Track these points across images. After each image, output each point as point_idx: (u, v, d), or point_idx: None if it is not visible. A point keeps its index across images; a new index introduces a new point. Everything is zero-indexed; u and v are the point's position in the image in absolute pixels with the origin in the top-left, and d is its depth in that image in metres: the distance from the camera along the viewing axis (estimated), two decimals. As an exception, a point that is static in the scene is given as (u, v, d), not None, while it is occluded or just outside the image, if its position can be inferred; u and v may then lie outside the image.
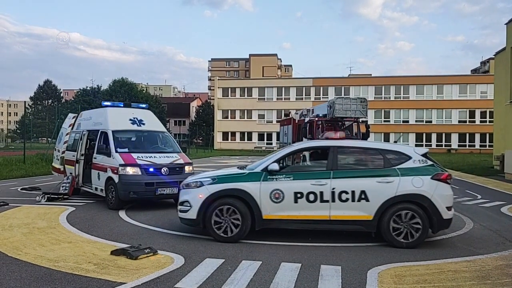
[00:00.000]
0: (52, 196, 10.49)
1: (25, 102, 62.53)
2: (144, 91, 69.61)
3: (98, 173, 10.06)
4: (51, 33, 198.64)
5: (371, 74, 67.68)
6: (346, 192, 6.21)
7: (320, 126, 14.82)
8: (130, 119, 10.68)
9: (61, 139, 12.80)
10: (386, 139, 51.51)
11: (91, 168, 10.54)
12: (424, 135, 54.03)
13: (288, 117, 23.24)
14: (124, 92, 60.20)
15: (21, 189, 12.69)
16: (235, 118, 60.65)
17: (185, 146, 37.74)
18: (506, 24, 20.21)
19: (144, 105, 11.89)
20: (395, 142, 8.69)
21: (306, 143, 8.43)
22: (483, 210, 9.87)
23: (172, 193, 9.47)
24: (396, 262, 5.40)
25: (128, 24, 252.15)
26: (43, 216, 8.35)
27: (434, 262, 5.41)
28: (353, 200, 6.20)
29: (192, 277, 4.71)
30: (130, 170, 9.20)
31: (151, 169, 9.35)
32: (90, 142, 11.27)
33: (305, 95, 57.56)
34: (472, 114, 53.60)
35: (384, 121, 55.08)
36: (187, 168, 10.04)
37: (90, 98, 59.62)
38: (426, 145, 48.39)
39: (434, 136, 54.05)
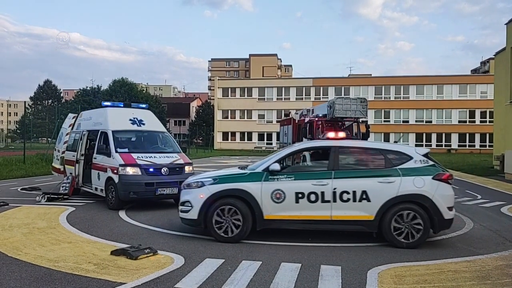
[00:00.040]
0: (52, 196, 10.49)
1: (25, 102, 62.48)
2: (144, 91, 69.64)
3: (98, 173, 10.06)
4: (51, 33, 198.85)
5: (371, 74, 67.72)
6: (348, 192, 6.21)
7: (320, 126, 14.83)
8: (130, 119, 10.68)
9: (61, 139, 12.80)
10: (386, 139, 51.50)
11: (91, 168, 10.54)
12: (424, 135, 54.03)
13: (288, 117, 23.25)
14: (124, 92, 60.21)
15: (21, 189, 12.68)
16: (235, 118, 60.65)
17: (185, 146, 37.84)
18: (506, 24, 20.20)
19: (144, 105, 11.89)
20: (395, 142, 8.69)
21: (307, 143, 8.43)
22: (483, 210, 9.87)
23: (172, 193, 9.48)
24: (396, 262, 5.40)
25: (128, 24, 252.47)
26: (43, 216, 8.35)
27: (434, 262, 5.41)
28: (354, 200, 6.20)
29: (192, 277, 4.71)
30: (130, 170, 9.20)
31: (151, 169, 9.35)
32: (90, 142, 11.27)
33: (305, 95, 57.56)
34: (472, 114, 53.60)
35: (384, 121, 55.08)
36: (187, 168, 10.04)
37: (90, 98, 59.63)
38: (426, 145, 48.39)
39: (434, 136, 54.05)
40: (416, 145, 31.98)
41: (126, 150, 9.75)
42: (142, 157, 9.51)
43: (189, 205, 6.55)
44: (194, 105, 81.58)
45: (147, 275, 4.72)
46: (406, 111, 55.03)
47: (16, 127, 77.46)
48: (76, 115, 12.86)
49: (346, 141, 7.08)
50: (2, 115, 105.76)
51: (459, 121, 53.97)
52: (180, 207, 6.75)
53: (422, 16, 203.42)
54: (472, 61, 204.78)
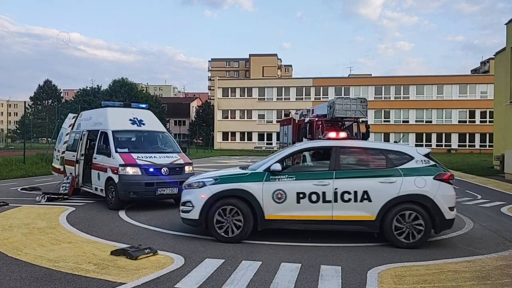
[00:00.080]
0: (52, 196, 10.49)
1: (25, 102, 62.52)
2: (144, 91, 69.63)
3: (98, 173, 10.06)
4: (51, 33, 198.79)
5: (371, 74, 67.70)
6: (349, 193, 6.21)
7: (320, 126, 14.80)
8: (130, 119, 10.68)
9: (61, 139, 12.80)
10: (386, 139, 51.49)
11: (91, 168, 10.54)
12: (424, 135, 54.03)
13: (288, 117, 23.22)
14: (124, 92, 60.21)
15: (21, 189, 12.68)
16: (235, 118, 60.65)
17: (185, 146, 37.84)
18: (506, 24, 20.19)
19: (144, 105, 11.89)
20: (395, 142, 8.68)
21: (308, 143, 8.42)
22: (483, 210, 9.87)
23: (172, 193, 9.48)
24: (396, 262, 5.39)
25: (128, 24, 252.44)
26: (43, 216, 8.35)
27: (434, 262, 5.41)
28: (355, 201, 6.20)
29: (192, 277, 4.71)
30: (130, 170, 9.20)
31: (151, 169, 9.34)
32: (90, 142, 11.27)
33: (305, 95, 57.56)
34: (472, 114, 53.60)
35: (384, 121, 55.08)
36: (187, 168, 10.04)
37: (90, 98, 59.69)
38: (426, 145, 48.39)
39: (434, 136, 54.04)
40: (416, 145, 31.98)
41: (126, 150, 9.75)
42: (142, 157, 9.51)
43: (190, 205, 6.55)
44: (194, 105, 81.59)
45: (147, 275, 4.72)
46: (406, 111, 55.04)
47: (16, 127, 77.47)
48: (76, 115, 12.86)
49: (347, 141, 7.08)
50: (2, 115, 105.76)
51: (459, 121, 53.97)
52: (181, 207, 6.75)
53: (422, 16, 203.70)
54: (472, 61, 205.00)
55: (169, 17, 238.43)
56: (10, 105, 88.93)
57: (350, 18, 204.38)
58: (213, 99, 67.91)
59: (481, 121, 52.67)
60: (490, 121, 44.62)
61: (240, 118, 60.37)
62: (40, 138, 59.09)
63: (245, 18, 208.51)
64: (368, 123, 15.94)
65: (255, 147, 56.31)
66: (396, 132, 52.81)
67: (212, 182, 6.54)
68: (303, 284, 4.56)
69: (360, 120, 15.35)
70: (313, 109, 17.97)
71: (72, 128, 12.40)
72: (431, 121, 54.52)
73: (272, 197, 6.30)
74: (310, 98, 56.52)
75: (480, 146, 52.20)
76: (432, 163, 6.47)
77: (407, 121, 54.96)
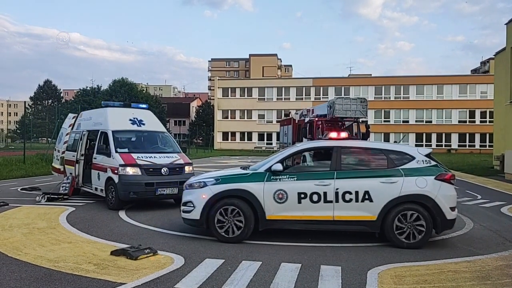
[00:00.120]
0: (52, 196, 10.49)
1: (25, 102, 62.30)
2: (144, 91, 69.64)
3: (98, 173, 10.06)
4: (51, 33, 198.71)
5: (371, 74, 67.71)
6: (350, 193, 6.21)
7: (320, 126, 14.81)
8: (130, 119, 10.68)
9: (61, 139, 12.80)
10: (386, 139, 51.50)
11: (91, 168, 10.54)
12: (424, 135, 54.03)
13: (288, 117, 23.22)
14: (124, 92, 60.21)
15: (21, 189, 12.68)
16: (235, 118, 60.66)
17: (185, 146, 37.85)
18: (506, 24, 20.20)
19: (144, 105, 11.89)
20: (396, 142, 8.68)
21: (309, 143, 8.41)
22: (483, 210, 9.87)
23: (172, 193, 9.48)
24: (396, 263, 5.39)
25: (128, 24, 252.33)
26: (43, 216, 8.34)
27: (434, 263, 5.41)
28: (356, 201, 6.20)
29: (192, 278, 4.71)
30: (130, 170, 9.20)
31: (151, 169, 9.34)
32: (90, 142, 11.28)
33: (305, 95, 57.57)
34: (472, 114, 53.61)
35: (384, 121, 55.08)
36: (187, 168, 10.03)
37: (90, 98, 59.66)
38: (426, 145, 48.40)
39: (434, 136, 54.05)
40: (416, 145, 31.98)
41: (126, 150, 9.75)
42: (142, 157, 9.50)
43: (192, 205, 6.54)
44: (194, 105, 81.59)
45: (147, 275, 4.71)
46: (406, 111, 55.04)
47: (16, 127, 77.47)
48: (76, 115, 12.86)
49: (348, 141, 7.08)
50: (2, 115, 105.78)
51: (459, 121, 53.98)
52: (182, 207, 6.75)
53: (422, 16, 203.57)
54: (472, 61, 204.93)
55: (169, 17, 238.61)
56: (10, 105, 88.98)
57: (350, 18, 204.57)
58: (213, 99, 67.91)
59: (481, 121, 52.68)
60: (490, 121, 44.63)
61: (240, 118, 60.37)
62: (40, 138, 59.08)
63: (245, 18, 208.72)
64: (368, 123, 15.96)
65: (255, 147, 56.32)
66: (396, 132, 52.83)
67: (213, 182, 6.54)
68: (303, 284, 4.55)
69: (360, 120, 15.36)
70: (313, 109, 17.96)
71: (72, 128, 12.40)
72: (431, 121, 54.53)
73: (273, 197, 6.30)
74: (310, 98, 56.52)
75: (480, 146, 52.20)
76: (433, 163, 6.46)
77: (407, 121, 54.97)
